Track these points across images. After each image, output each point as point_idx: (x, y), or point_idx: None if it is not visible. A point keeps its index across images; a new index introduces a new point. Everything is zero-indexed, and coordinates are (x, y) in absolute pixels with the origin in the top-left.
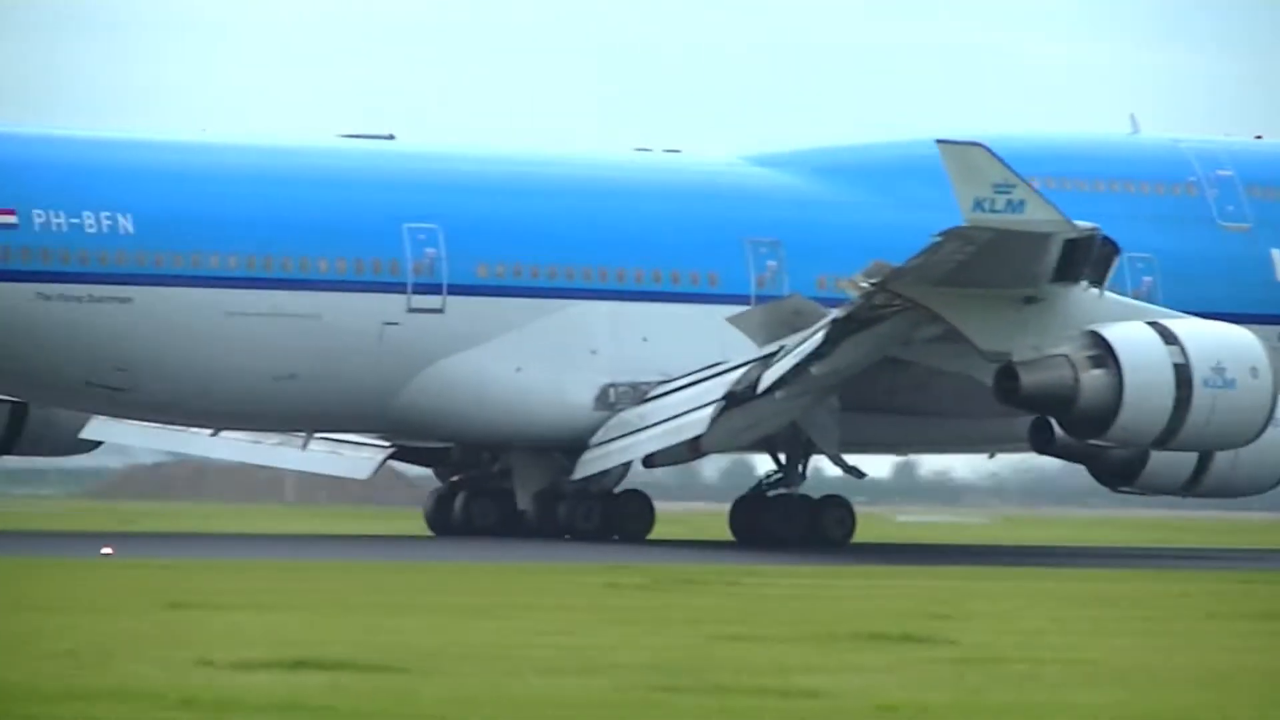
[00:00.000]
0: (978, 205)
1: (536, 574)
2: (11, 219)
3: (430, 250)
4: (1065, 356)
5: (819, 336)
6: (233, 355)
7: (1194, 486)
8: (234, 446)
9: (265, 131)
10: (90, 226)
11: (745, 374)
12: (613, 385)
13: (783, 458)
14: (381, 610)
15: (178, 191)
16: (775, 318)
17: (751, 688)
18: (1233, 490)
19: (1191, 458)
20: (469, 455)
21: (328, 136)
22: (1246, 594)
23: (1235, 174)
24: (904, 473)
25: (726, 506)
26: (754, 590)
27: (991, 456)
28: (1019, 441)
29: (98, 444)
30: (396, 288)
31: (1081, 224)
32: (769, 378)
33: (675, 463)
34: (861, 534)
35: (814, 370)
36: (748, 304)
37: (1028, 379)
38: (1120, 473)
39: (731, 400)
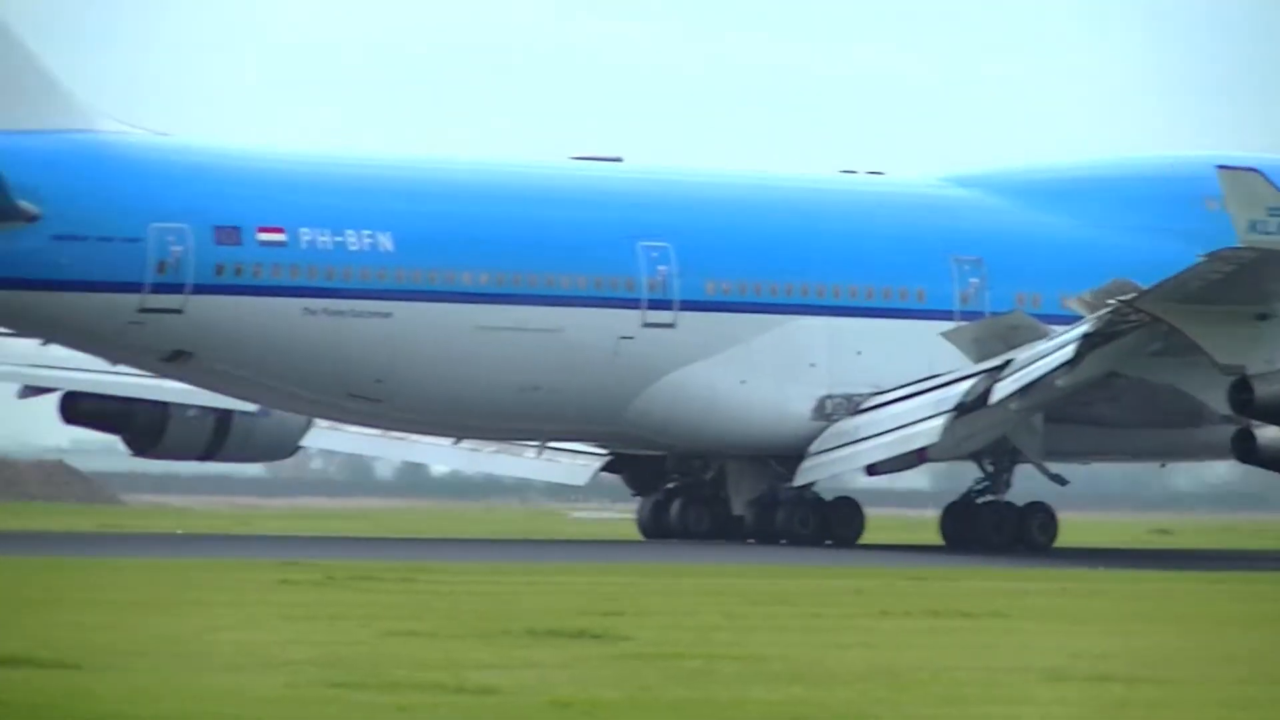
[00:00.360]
0: (1253, 227)
1: (209, 570)
2: (280, 237)
3: (663, 268)
4: None
5: (1070, 349)
6: (482, 367)
7: None
8: (452, 454)
9: (505, 154)
10: (353, 244)
11: (974, 385)
12: (829, 397)
13: (989, 466)
14: (63, 607)
15: (432, 211)
16: (991, 333)
17: (426, 684)
18: None
19: None
20: (681, 464)
21: (561, 159)
22: (920, 591)
23: None
24: None
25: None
26: (428, 587)
27: (1163, 466)
28: (1208, 451)
29: (296, 449)
30: (632, 304)
31: None
32: (1005, 389)
33: (897, 470)
34: (539, 530)
35: (1060, 383)
36: (952, 319)
37: (1262, 390)
38: None
39: (960, 410)
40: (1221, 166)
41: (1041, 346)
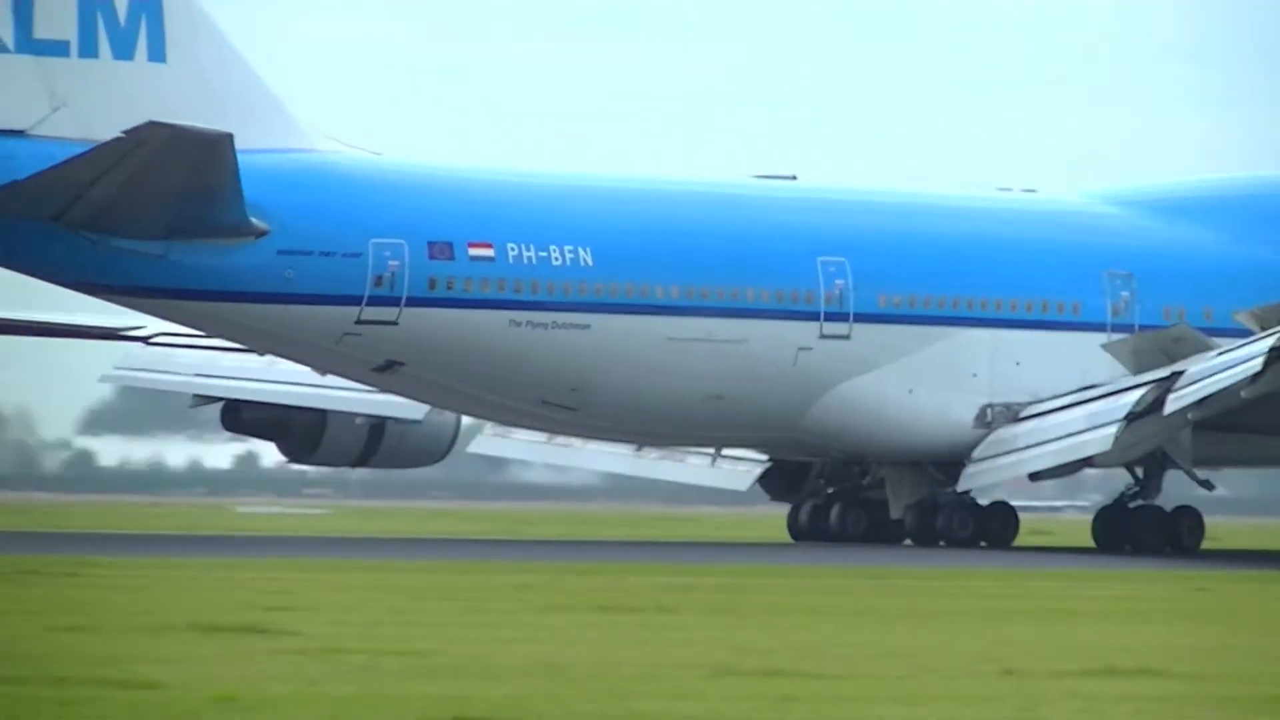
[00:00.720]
0: None
1: None
2: (489, 252)
3: (839, 281)
4: None
5: (1258, 362)
6: (670, 377)
7: None
8: (619, 460)
9: (693, 173)
10: (556, 259)
11: (1143, 395)
12: (990, 405)
13: (1140, 472)
14: None
15: (628, 227)
16: (1154, 345)
17: (90, 679)
18: None
19: None
20: (836, 470)
21: (743, 177)
22: (587, 588)
23: None
24: (246, 463)
25: None
26: (92, 581)
27: None
28: None
29: (447, 453)
30: (811, 316)
31: None
32: (1184, 398)
33: (1060, 475)
34: (200, 526)
35: (1244, 393)
36: (1104, 331)
37: None
38: None
39: (1129, 419)
40: None
41: (1216, 359)
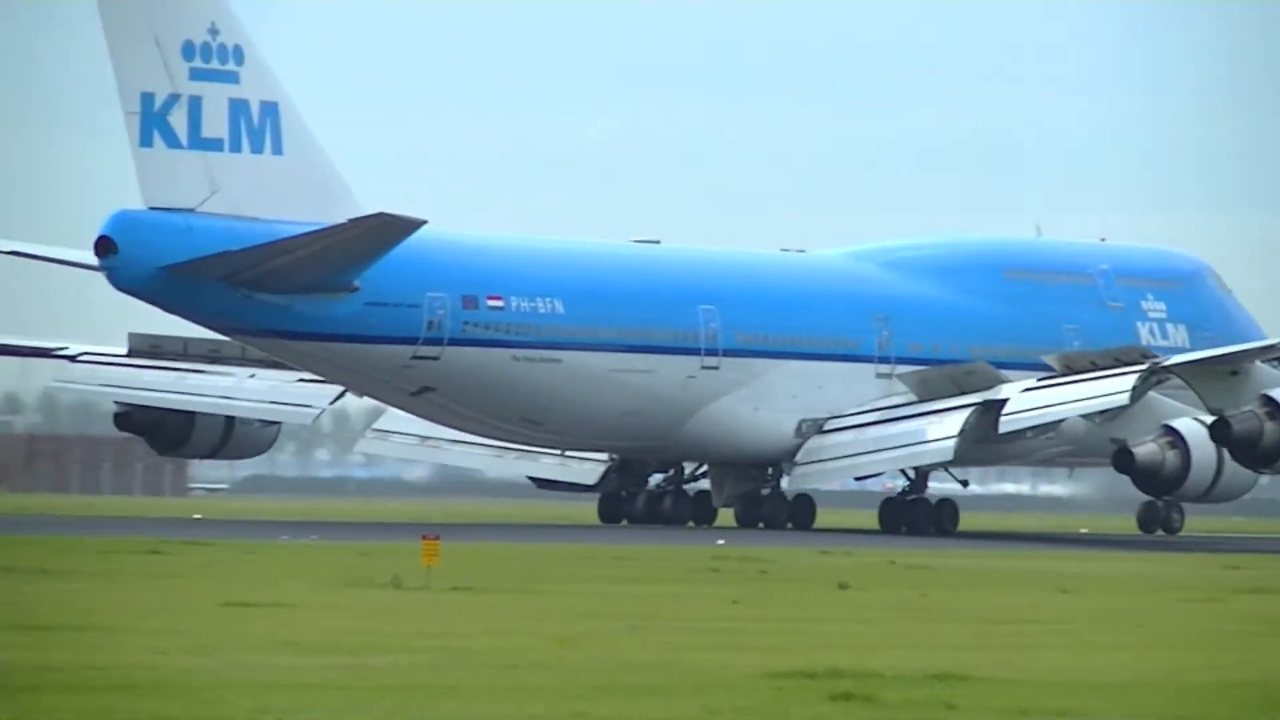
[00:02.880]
0: None
1: None
2: (500, 303)
3: (712, 325)
4: (1252, 411)
5: (1125, 396)
6: (607, 399)
7: (1209, 494)
8: (479, 458)
9: (606, 239)
10: (541, 309)
11: (969, 416)
12: (804, 420)
13: (913, 473)
14: None
15: (585, 284)
16: (942, 377)
17: None
18: (1225, 497)
19: (1210, 475)
20: (669, 466)
21: (626, 242)
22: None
23: (1110, 268)
24: None
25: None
26: None
27: (1071, 473)
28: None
29: (266, 450)
30: (695, 351)
31: None
32: (1026, 421)
33: (875, 477)
34: None
35: (1098, 420)
36: (873, 363)
37: (1237, 428)
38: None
39: (962, 435)
40: None
41: (1041, 393)
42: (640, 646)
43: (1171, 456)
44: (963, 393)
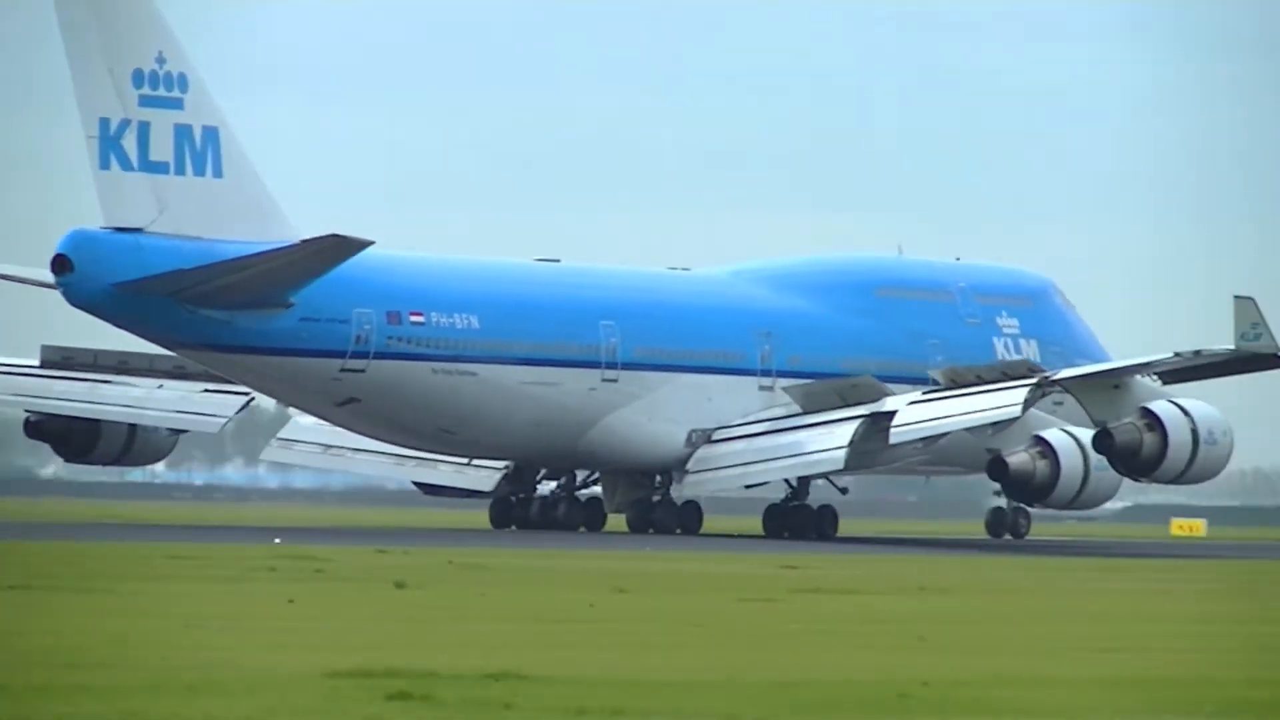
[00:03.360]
0: (1243, 338)
1: None
2: (421, 319)
3: (613, 340)
4: (1132, 423)
5: (1017, 409)
6: (517, 410)
7: (1076, 500)
8: (382, 468)
9: (527, 260)
10: (459, 324)
11: (858, 428)
12: (694, 430)
13: (795, 481)
14: None
15: (498, 300)
16: (827, 390)
17: None
18: (1091, 504)
19: (1077, 483)
20: (560, 474)
21: (529, 261)
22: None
23: (967, 286)
24: None
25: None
26: None
27: (928, 479)
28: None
29: (165, 456)
30: (597, 365)
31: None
32: (916, 433)
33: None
34: None
35: (990, 431)
36: (756, 376)
37: (1119, 438)
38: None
39: (852, 445)
40: (1238, 297)
41: (932, 404)
42: (194, 645)
43: (1042, 466)
44: (846, 405)
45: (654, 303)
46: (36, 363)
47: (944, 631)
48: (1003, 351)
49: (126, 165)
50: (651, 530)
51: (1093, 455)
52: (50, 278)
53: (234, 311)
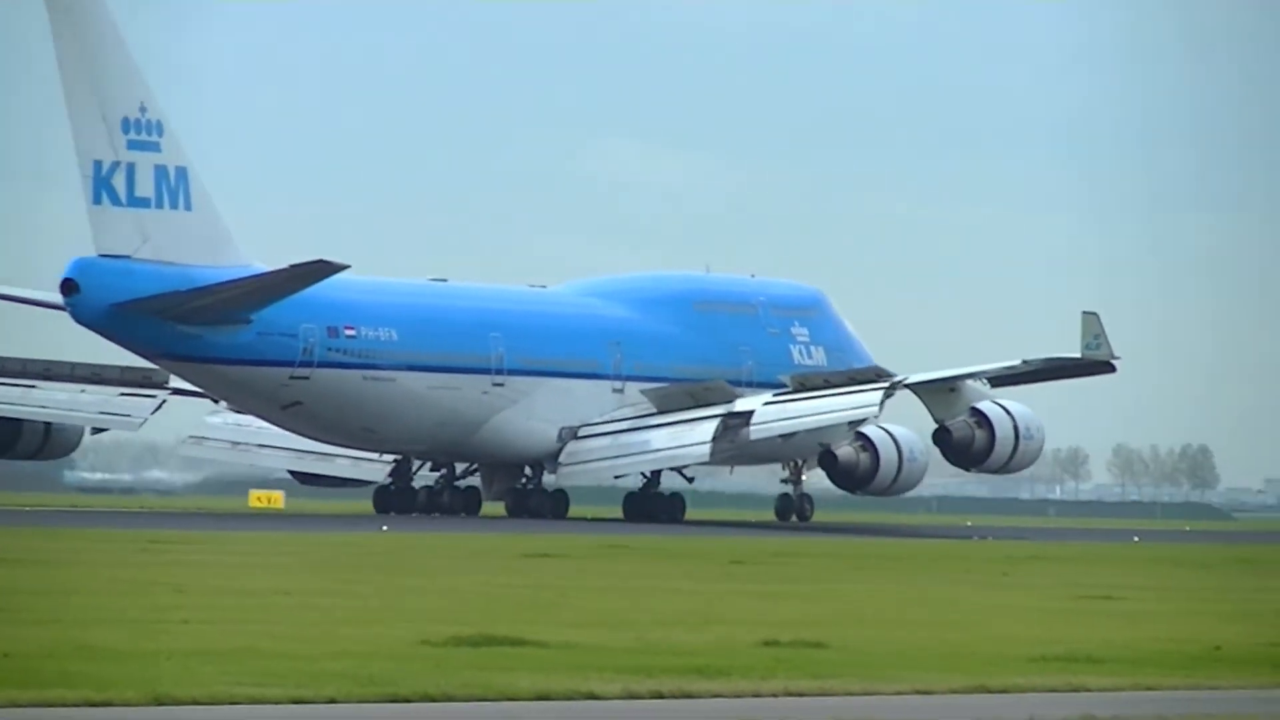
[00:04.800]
0: (1087, 347)
1: None
2: (354, 332)
3: (500, 350)
4: (965, 421)
5: (875, 409)
6: (427, 412)
7: (891, 488)
8: (288, 459)
9: (442, 279)
10: (382, 337)
11: (718, 426)
12: (563, 428)
13: (649, 472)
14: None
15: (412, 315)
16: (681, 393)
17: None
18: (903, 490)
19: (893, 473)
20: (441, 465)
21: (430, 281)
22: None
23: (766, 299)
24: None
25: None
26: None
27: (731, 471)
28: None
29: (74, 450)
30: (488, 371)
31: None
32: (778, 429)
33: (628, 475)
34: None
35: (847, 428)
36: (610, 380)
37: (956, 434)
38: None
39: (715, 440)
40: (1086, 312)
41: (785, 404)
42: None
43: (864, 458)
44: (698, 405)
45: (529, 314)
46: None
47: None
48: (799, 357)
49: (116, 201)
50: (527, 516)
51: (905, 448)
52: (36, 296)
53: (204, 327)
